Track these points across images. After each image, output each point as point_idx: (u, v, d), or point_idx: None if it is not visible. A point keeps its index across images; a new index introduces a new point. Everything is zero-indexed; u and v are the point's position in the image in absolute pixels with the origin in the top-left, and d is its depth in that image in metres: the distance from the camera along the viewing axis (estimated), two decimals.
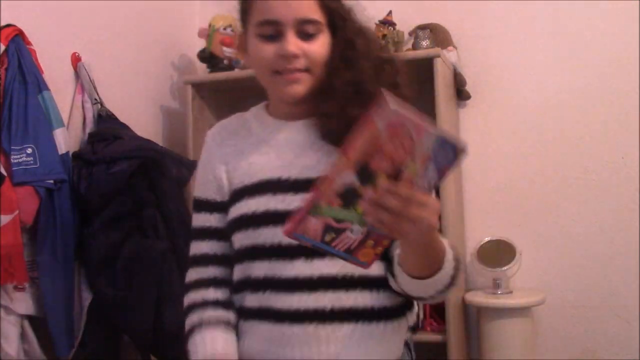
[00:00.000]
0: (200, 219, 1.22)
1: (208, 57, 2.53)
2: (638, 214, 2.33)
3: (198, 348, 1.13)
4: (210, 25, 2.51)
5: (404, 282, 1.03)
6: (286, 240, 0.95)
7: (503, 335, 2.22)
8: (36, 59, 1.85)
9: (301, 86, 1.10)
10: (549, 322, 2.41)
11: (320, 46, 1.10)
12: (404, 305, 1.13)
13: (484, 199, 2.51)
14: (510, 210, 2.48)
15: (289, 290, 1.08)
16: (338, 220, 0.82)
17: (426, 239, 0.91)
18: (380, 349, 1.09)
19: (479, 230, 2.48)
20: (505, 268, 2.30)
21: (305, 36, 1.09)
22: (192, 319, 1.18)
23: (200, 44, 2.60)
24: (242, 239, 1.13)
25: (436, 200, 0.85)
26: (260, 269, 1.11)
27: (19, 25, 1.82)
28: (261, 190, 1.12)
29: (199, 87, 2.50)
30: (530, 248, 2.43)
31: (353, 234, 0.83)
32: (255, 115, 1.24)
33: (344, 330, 1.06)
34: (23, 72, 1.78)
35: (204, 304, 1.17)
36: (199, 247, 1.23)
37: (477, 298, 2.29)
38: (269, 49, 1.09)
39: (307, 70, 1.10)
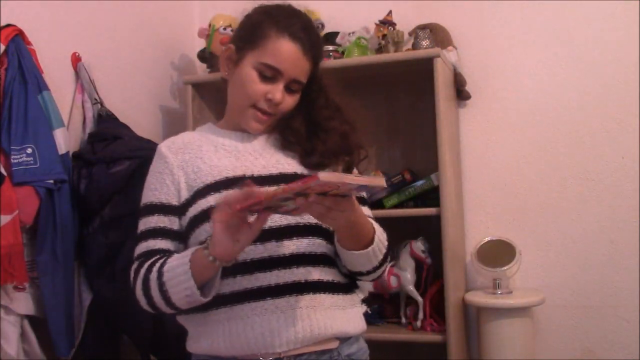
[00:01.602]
0: (153, 221, 1.29)
1: (208, 57, 2.53)
2: (638, 214, 2.33)
3: (175, 268, 1.18)
4: (210, 25, 2.51)
5: (345, 258, 1.25)
6: None
7: (503, 335, 2.22)
8: (36, 59, 1.85)
9: (263, 126, 1.33)
10: (549, 322, 2.41)
11: (294, 100, 1.32)
12: (354, 281, 1.34)
13: (484, 199, 2.51)
14: (510, 210, 2.48)
15: (264, 270, 1.21)
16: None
17: (349, 223, 1.15)
18: (346, 316, 1.28)
19: (479, 230, 2.48)
20: (505, 268, 2.30)
21: (289, 90, 1.30)
22: (142, 271, 1.24)
23: (200, 44, 2.60)
24: (210, 229, 1.18)
25: (353, 204, 1.11)
26: None
27: (19, 25, 1.82)
28: (227, 186, 1.25)
29: (199, 87, 2.50)
30: (530, 248, 2.43)
31: (289, 208, 1.10)
32: (209, 131, 1.40)
33: (319, 299, 1.23)
34: (23, 72, 1.78)
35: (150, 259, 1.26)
36: (150, 245, 1.27)
37: (477, 298, 2.29)
38: (261, 88, 1.27)
39: (273, 114, 1.31)
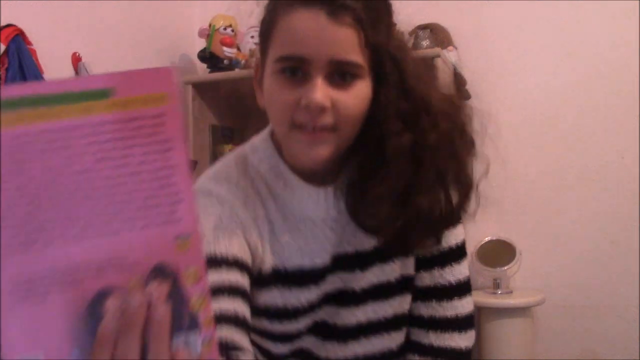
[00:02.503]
0: (223, 276, 0.83)
1: (208, 57, 2.53)
2: (638, 214, 2.33)
3: None
4: (210, 25, 2.51)
5: None
6: (342, 323, 0.92)
7: (503, 335, 2.22)
8: (36, 59, 1.85)
9: (325, 149, 0.82)
10: (549, 322, 2.41)
11: (355, 97, 0.81)
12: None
13: (483, 199, 2.51)
14: (510, 210, 2.48)
15: None
16: None
17: None
18: None
19: (479, 230, 2.48)
20: (505, 268, 2.30)
21: (339, 82, 0.81)
22: None
23: (200, 44, 2.60)
24: (270, 327, 0.92)
25: None
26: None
27: (19, 25, 1.82)
28: (300, 280, 0.90)
29: (199, 87, 2.50)
30: (530, 248, 2.43)
31: None
32: (271, 167, 0.92)
33: None
34: (23, 72, 1.78)
35: None
36: (223, 307, 0.83)
37: (477, 298, 2.29)
38: (289, 95, 0.80)
39: (334, 128, 0.81)
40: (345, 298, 0.93)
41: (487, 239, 2.39)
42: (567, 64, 2.43)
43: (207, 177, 0.92)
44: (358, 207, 0.87)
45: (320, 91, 0.78)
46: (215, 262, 0.83)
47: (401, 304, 0.95)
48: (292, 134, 0.82)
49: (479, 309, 2.31)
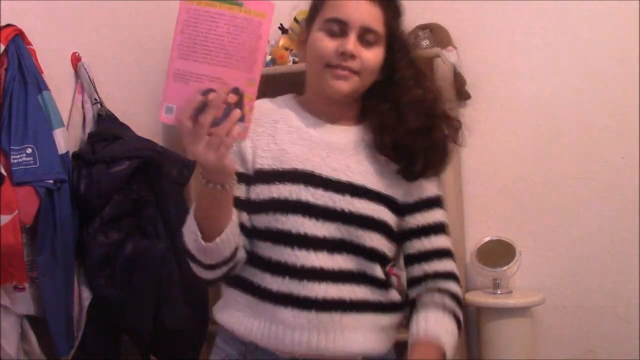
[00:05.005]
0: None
1: None
2: (638, 214, 2.33)
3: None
4: None
5: None
6: (311, 232, 1.15)
7: (503, 335, 2.22)
8: (36, 59, 1.85)
9: (347, 85, 1.20)
10: (549, 322, 2.41)
11: (374, 55, 1.21)
12: (402, 303, 1.30)
13: (484, 199, 2.51)
14: (510, 210, 2.48)
15: (314, 280, 1.15)
16: None
17: None
18: (387, 337, 1.26)
19: (479, 230, 2.49)
20: (505, 268, 2.30)
21: (365, 42, 1.20)
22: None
23: None
24: (267, 222, 1.18)
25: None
26: (281, 254, 1.16)
27: (19, 25, 1.82)
28: (293, 178, 1.18)
29: None
30: (530, 248, 2.43)
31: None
32: (288, 105, 1.30)
33: (363, 320, 1.19)
34: (23, 72, 1.78)
35: None
36: None
37: (477, 298, 2.29)
38: (330, 44, 1.19)
39: (357, 72, 1.19)
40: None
41: (487, 239, 2.39)
42: (567, 63, 2.44)
43: None
44: (382, 134, 1.22)
45: (353, 43, 1.18)
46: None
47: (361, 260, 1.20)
48: (325, 71, 1.20)
49: (479, 309, 2.31)
